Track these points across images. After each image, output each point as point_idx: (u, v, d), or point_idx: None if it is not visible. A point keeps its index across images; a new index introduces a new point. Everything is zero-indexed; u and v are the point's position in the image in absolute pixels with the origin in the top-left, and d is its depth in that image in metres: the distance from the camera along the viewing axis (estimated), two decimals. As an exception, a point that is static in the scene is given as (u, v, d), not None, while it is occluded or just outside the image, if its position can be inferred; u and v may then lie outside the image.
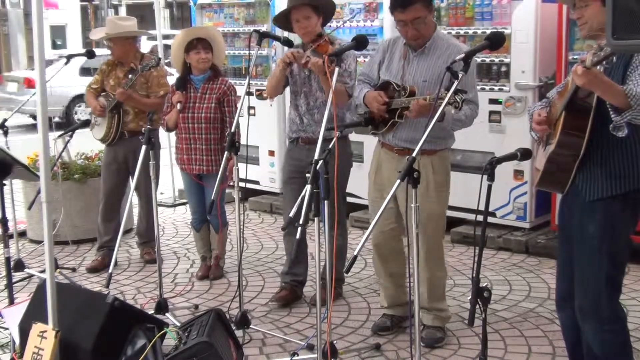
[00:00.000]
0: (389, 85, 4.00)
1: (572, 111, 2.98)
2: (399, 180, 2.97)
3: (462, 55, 3.14)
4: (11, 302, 4.32)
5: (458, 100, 3.21)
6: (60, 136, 5.65)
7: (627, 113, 2.76)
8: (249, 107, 4.56)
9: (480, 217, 2.79)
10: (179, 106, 4.95)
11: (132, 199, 4.97)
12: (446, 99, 3.14)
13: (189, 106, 5.03)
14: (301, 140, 4.63)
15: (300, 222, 3.37)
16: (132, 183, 4.78)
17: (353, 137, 6.67)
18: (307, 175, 3.38)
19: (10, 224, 5.09)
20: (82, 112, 14.75)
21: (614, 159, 2.98)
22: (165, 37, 11.33)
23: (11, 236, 5.19)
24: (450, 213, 4.50)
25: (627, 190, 3.00)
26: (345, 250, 4.76)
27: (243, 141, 4.34)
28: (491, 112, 5.66)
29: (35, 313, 3.57)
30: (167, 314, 4.46)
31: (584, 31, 3.07)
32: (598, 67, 2.72)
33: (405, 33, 3.92)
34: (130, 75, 5.37)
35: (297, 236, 3.38)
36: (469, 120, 3.94)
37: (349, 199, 6.36)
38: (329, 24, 4.82)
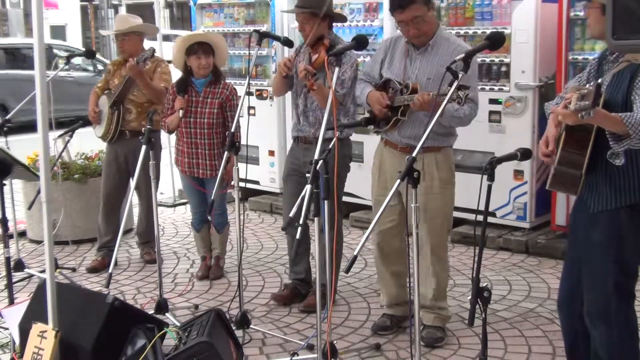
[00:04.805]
0: (390, 83, 4.00)
1: (573, 130, 2.92)
2: (399, 181, 2.98)
3: (462, 55, 3.14)
4: (11, 302, 4.32)
5: (461, 95, 3.20)
6: (60, 136, 5.64)
7: (626, 142, 2.71)
8: (249, 107, 4.55)
9: (480, 217, 2.79)
10: (181, 113, 4.89)
11: (132, 199, 4.97)
12: (449, 95, 3.13)
13: (190, 110, 4.99)
14: (300, 140, 4.65)
15: (300, 221, 3.37)
16: (132, 183, 4.78)
17: (353, 137, 6.66)
18: (307, 175, 3.39)
19: (10, 224, 5.08)
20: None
21: (619, 173, 2.93)
22: (166, 37, 11.35)
23: (11, 236, 5.19)
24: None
25: (632, 202, 2.95)
26: (339, 256, 4.57)
27: (243, 141, 4.34)
28: (491, 112, 5.66)
29: (35, 313, 3.57)
30: (167, 314, 4.46)
31: (588, 32, 3.08)
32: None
33: (407, 32, 3.93)
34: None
35: (297, 236, 3.38)
36: (467, 119, 3.93)
37: (349, 199, 6.37)
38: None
